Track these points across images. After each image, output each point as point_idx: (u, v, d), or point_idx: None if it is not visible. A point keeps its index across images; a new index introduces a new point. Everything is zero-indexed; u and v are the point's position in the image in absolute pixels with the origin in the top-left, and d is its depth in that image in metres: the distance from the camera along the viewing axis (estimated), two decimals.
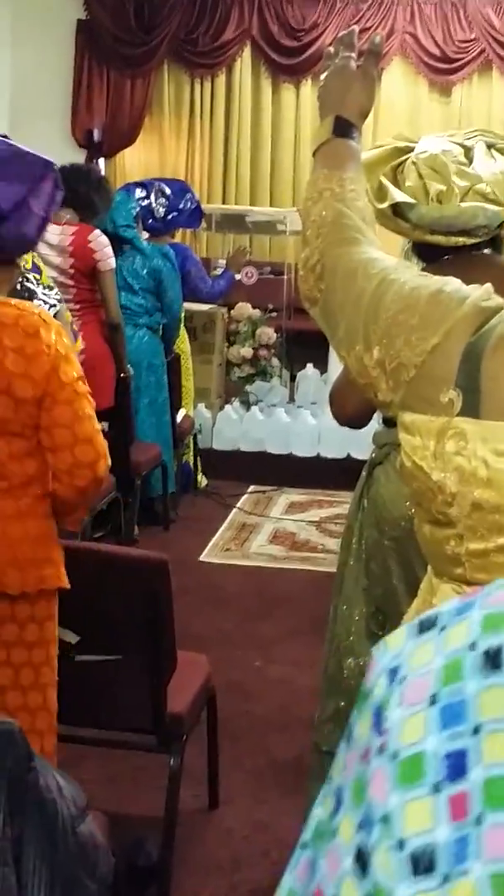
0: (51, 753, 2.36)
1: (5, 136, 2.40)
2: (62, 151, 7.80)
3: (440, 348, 1.29)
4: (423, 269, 2.28)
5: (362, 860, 0.61)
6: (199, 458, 6.50)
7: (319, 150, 1.63)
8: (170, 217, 5.99)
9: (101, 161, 8.78)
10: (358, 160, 1.62)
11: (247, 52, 8.93)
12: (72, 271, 4.81)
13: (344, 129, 1.62)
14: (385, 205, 2.14)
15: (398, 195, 2.14)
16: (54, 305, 3.16)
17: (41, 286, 3.20)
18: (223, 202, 8.82)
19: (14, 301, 2.30)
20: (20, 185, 2.24)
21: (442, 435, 1.28)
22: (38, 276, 4.13)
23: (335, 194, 1.54)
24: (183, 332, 6.20)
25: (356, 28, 1.79)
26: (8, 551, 2.27)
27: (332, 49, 1.74)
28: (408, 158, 2.20)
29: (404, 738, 0.61)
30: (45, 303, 3.02)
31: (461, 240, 2.16)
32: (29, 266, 4.04)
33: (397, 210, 2.16)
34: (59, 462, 2.30)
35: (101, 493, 2.41)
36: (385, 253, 1.50)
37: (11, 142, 2.34)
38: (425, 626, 0.66)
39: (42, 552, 2.32)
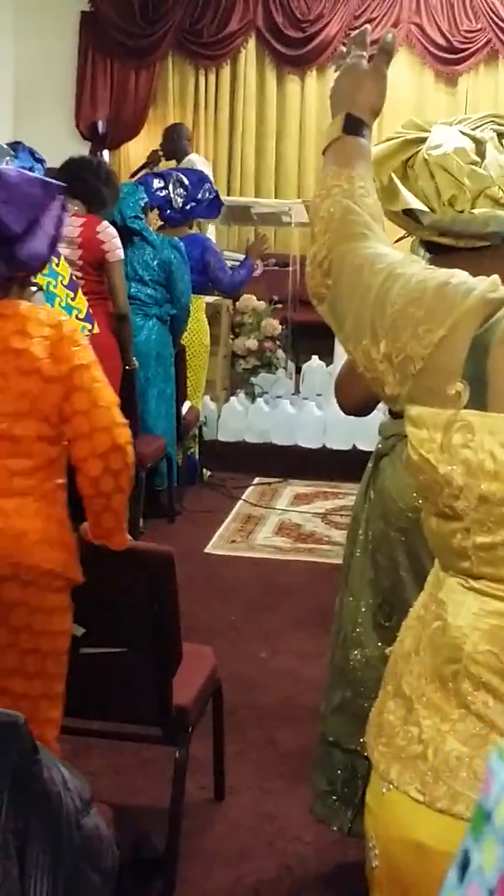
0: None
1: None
2: (66, 144, 7.79)
3: (447, 340, 1.29)
4: (432, 261, 2.27)
5: None
6: (202, 450, 6.50)
7: (329, 147, 1.62)
8: (188, 207, 5.99)
9: (106, 153, 8.77)
10: (368, 158, 1.62)
11: (251, 43, 8.91)
12: (80, 262, 4.80)
13: (354, 126, 1.61)
14: (396, 208, 2.13)
15: (411, 200, 2.12)
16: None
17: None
18: (228, 194, 8.80)
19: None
20: (32, 208, 2.39)
21: (449, 427, 1.27)
22: (55, 260, 4.14)
23: (344, 191, 1.53)
24: (204, 323, 6.21)
25: (368, 27, 1.78)
26: (39, 527, 2.35)
27: (344, 48, 1.73)
28: (419, 152, 2.18)
29: None
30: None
31: (472, 242, 2.15)
32: None
33: (408, 211, 2.15)
34: (77, 451, 2.38)
35: (120, 491, 2.46)
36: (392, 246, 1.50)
37: (22, 171, 2.50)
38: None
39: (65, 536, 2.41)
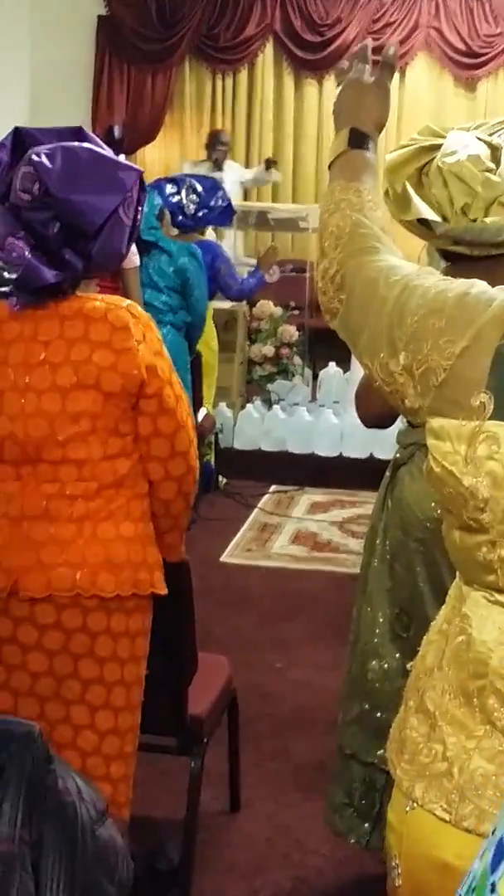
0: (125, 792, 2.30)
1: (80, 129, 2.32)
2: None
3: (469, 351, 1.27)
4: (448, 268, 2.25)
5: None
6: (217, 458, 6.48)
7: (335, 162, 1.62)
8: (200, 214, 5.97)
9: (122, 158, 8.77)
10: (374, 171, 1.62)
11: (269, 47, 8.91)
12: None
13: (359, 140, 1.62)
14: (408, 217, 2.12)
15: (424, 210, 2.11)
16: None
17: None
18: (245, 199, 8.80)
19: (101, 296, 2.25)
20: (113, 196, 2.18)
21: (473, 439, 1.25)
22: None
23: (352, 204, 1.53)
24: (212, 330, 6.19)
25: (369, 42, 1.79)
26: (101, 552, 2.18)
27: (346, 64, 1.74)
28: (433, 159, 2.16)
29: None
30: None
31: (487, 251, 2.14)
32: None
33: (421, 220, 2.13)
34: (151, 473, 2.26)
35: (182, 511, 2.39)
36: (404, 254, 1.49)
37: (94, 147, 2.22)
38: None
39: (136, 555, 2.23)
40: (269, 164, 8.26)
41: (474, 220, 2.08)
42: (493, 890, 0.62)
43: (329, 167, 1.64)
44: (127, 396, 2.18)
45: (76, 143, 2.20)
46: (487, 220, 2.10)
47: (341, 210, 1.53)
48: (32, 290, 2.15)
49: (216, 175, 8.05)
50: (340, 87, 1.71)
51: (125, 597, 2.20)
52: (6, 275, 2.16)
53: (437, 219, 2.10)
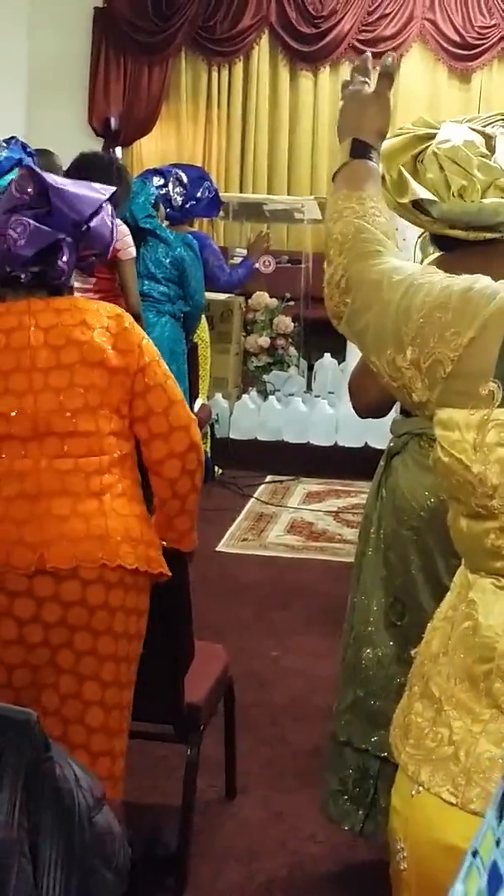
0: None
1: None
2: (79, 140, 7.79)
3: (476, 342, 1.30)
4: (441, 257, 2.26)
5: None
6: (213, 448, 6.49)
7: (339, 172, 1.67)
8: (187, 206, 5.94)
9: (119, 149, 8.76)
10: (377, 179, 1.67)
11: (264, 39, 8.88)
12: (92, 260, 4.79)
13: (361, 150, 1.67)
14: (405, 199, 2.14)
15: (420, 191, 2.13)
16: None
17: None
18: (241, 190, 8.79)
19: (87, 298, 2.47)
20: (96, 193, 2.38)
21: (482, 427, 1.28)
22: None
23: (355, 212, 1.58)
24: (203, 321, 6.19)
25: (369, 54, 1.85)
26: (120, 527, 2.23)
27: (347, 77, 1.79)
28: (428, 147, 2.18)
29: None
30: None
31: (482, 234, 2.15)
32: None
33: (417, 204, 2.15)
34: (153, 452, 2.32)
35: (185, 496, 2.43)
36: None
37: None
38: None
39: (146, 533, 2.29)
40: None
41: (471, 203, 2.11)
42: None
43: (333, 178, 1.69)
44: (128, 375, 2.28)
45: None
46: (485, 201, 2.12)
47: (345, 218, 1.57)
48: (41, 277, 2.29)
49: None
50: (343, 101, 1.76)
51: (140, 572, 2.25)
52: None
53: (434, 199, 2.12)
